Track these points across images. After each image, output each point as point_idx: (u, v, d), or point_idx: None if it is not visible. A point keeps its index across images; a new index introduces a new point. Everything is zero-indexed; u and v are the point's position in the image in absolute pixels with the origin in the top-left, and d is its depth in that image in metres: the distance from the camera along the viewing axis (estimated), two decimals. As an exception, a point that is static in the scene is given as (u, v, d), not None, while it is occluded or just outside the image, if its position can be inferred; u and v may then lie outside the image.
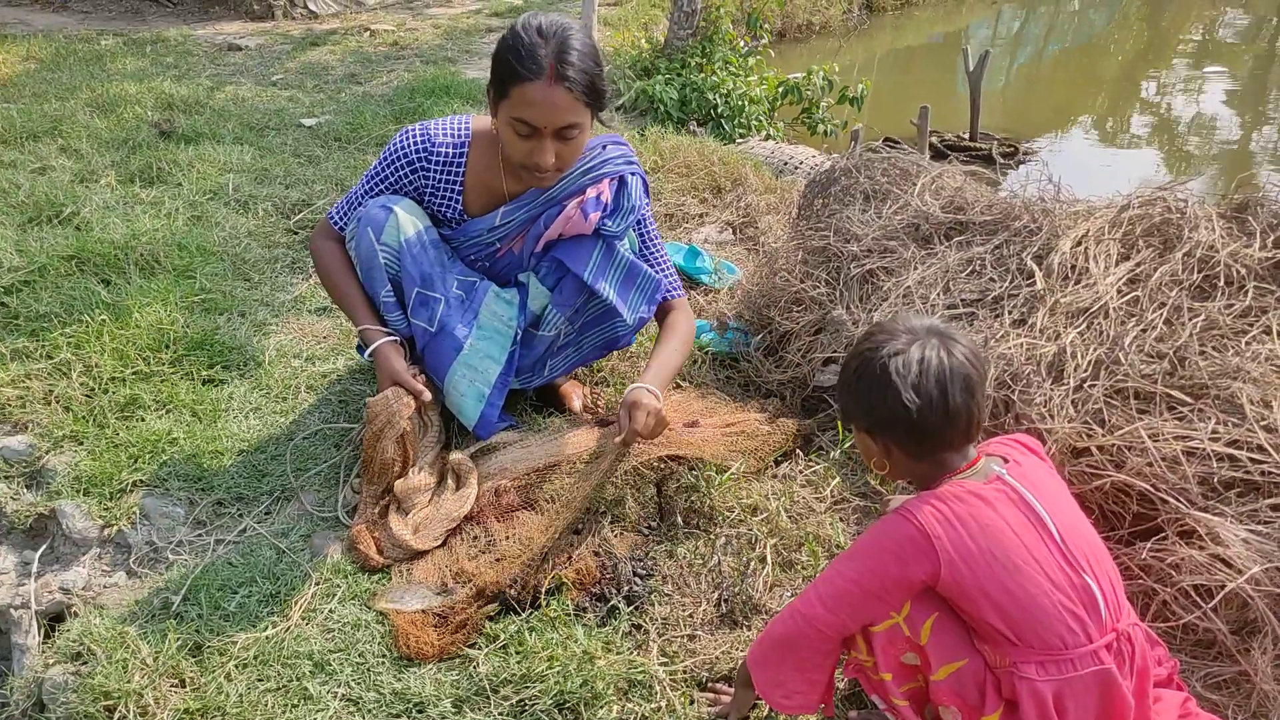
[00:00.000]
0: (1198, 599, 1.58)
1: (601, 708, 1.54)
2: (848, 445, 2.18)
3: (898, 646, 1.33)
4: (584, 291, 2.12)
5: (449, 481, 2.02)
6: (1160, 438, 1.76)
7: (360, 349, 2.09)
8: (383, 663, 1.65)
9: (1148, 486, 1.71)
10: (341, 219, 2.14)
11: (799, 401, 2.37)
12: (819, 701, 1.42)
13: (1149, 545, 1.68)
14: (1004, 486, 1.30)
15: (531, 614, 1.75)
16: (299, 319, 2.78)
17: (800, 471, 2.12)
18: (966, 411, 1.31)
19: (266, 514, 2.03)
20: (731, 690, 1.58)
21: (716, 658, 1.66)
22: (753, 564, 1.85)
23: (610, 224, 2.08)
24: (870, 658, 1.38)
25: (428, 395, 2.03)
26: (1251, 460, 1.69)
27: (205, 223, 3.28)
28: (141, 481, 2.05)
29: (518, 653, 1.65)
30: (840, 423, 1.46)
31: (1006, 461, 1.37)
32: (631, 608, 1.77)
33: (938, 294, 2.28)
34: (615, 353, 2.56)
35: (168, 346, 2.47)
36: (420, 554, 1.89)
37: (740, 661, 1.56)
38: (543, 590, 1.77)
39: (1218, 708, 1.51)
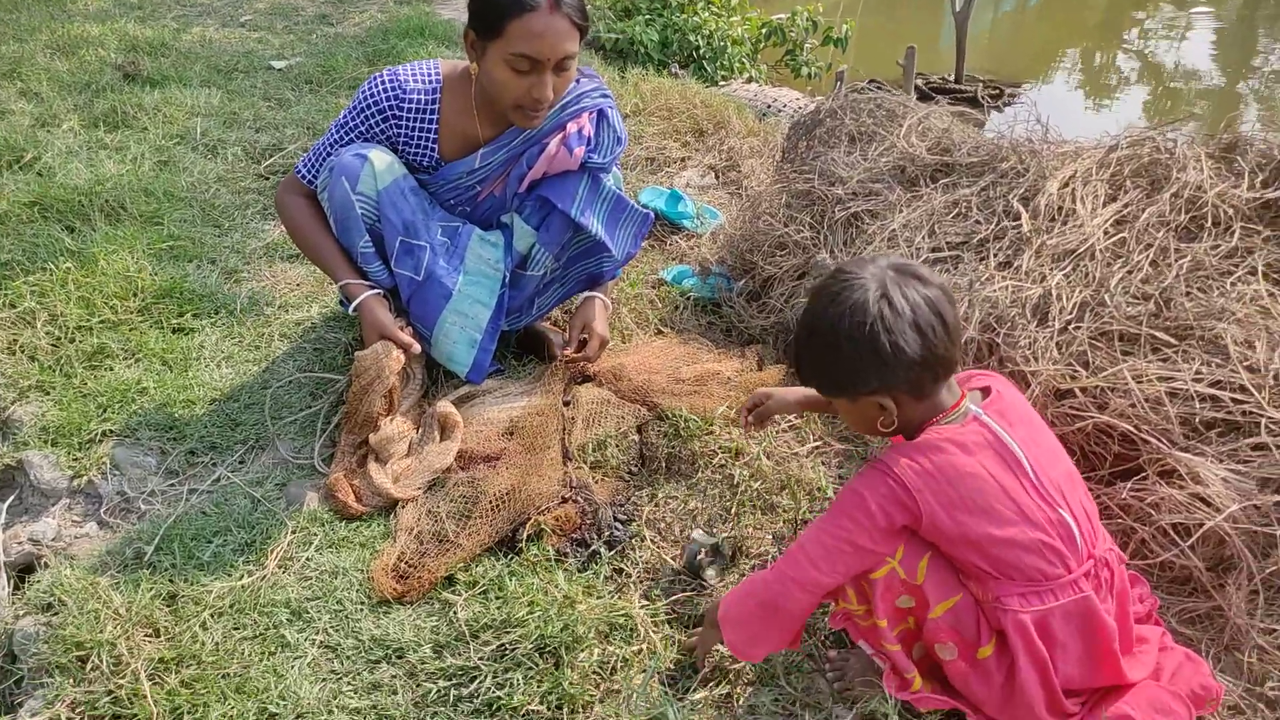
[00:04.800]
0: (1176, 537, 1.58)
1: (582, 651, 1.53)
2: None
3: (894, 591, 1.34)
4: (570, 227, 2.09)
5: (434, 432, 1.99)
6: (1144, 379, 1.75)
7: (343, 303, 2.04)
8: (361, 609, 1.63)
9: (1130, 427, 1.71)
10: (310, 172, 2.06)
11: (782, 347, 2.35)
12: (789, 644, 1.43)
13: (1129, 485, 1.68)
14: (981, 428, 1.29)
15: (511, 559, 1.74)
16: (271, 266, 2.71)
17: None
18: (958, 328, 1.29)
19: (240, 463, 2.00)
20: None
21: (698, 601, 1.66)
22: (734, 508, 1.84)
23: (596, 158, 2.05)
24: (860, 605, 1.39)
25: (418, 348, 2.00)
26: (1234, 400, 1.68)
27: (172, 168, 3.18)
28: (111, 431, 2.00)
29: (498, 598, 1.64)
30: (832, 397, 1.40)
31: (988, 393, 1.35)
32: (613, 552, 1.76)
33: (923, 237, 2.25)
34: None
35: (135, 294, 2.41)
36: (400, 502, 1.86)
37: (710, 604, 1.55)
38: (523, 537, 1.76)
39: (1191, 641, 1.53)
